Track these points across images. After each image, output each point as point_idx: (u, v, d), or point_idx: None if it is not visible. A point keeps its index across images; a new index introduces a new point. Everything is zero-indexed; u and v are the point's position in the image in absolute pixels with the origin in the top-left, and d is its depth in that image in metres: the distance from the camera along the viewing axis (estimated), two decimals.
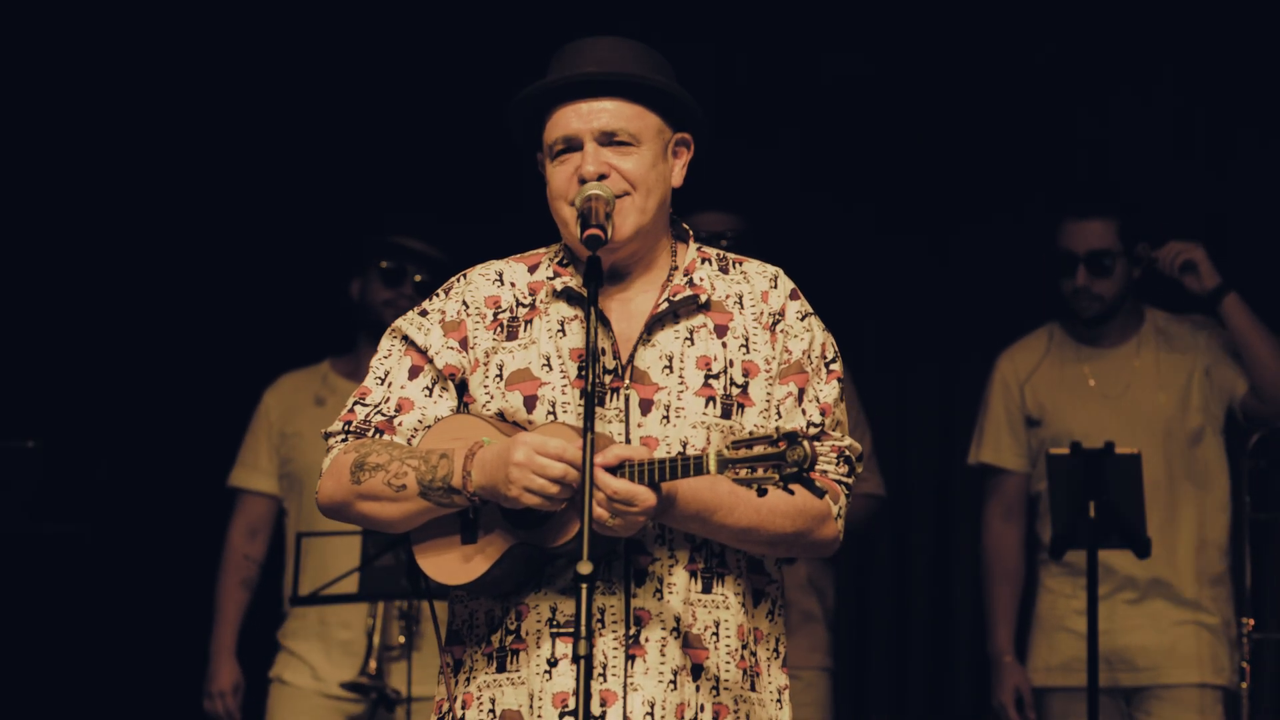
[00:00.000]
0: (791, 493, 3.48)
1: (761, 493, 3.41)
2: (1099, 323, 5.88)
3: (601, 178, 3.56)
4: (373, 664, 5.88)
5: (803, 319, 3.68)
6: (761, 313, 3.67)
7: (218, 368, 6.89)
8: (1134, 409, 5.83)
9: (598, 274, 3.52)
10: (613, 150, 3.58)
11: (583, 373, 3.57)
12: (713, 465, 3.36)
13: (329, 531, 5.47)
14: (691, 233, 3.73)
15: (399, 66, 7.03)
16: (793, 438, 3.31)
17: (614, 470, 3.39)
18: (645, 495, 3.39)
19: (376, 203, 6.77)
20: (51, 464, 5.66)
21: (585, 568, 3.31)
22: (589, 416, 3.38)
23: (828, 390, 3.67)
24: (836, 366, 3.70)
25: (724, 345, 3.63)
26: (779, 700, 3.66)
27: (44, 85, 6.86)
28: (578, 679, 3.30)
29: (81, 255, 6.88)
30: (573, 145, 3.59)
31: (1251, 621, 5.56)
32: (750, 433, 3.41)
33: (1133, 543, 5.43)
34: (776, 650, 3.67)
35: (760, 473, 3.34)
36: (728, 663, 3.58)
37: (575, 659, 3.30)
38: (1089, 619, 5.43)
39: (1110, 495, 5.40)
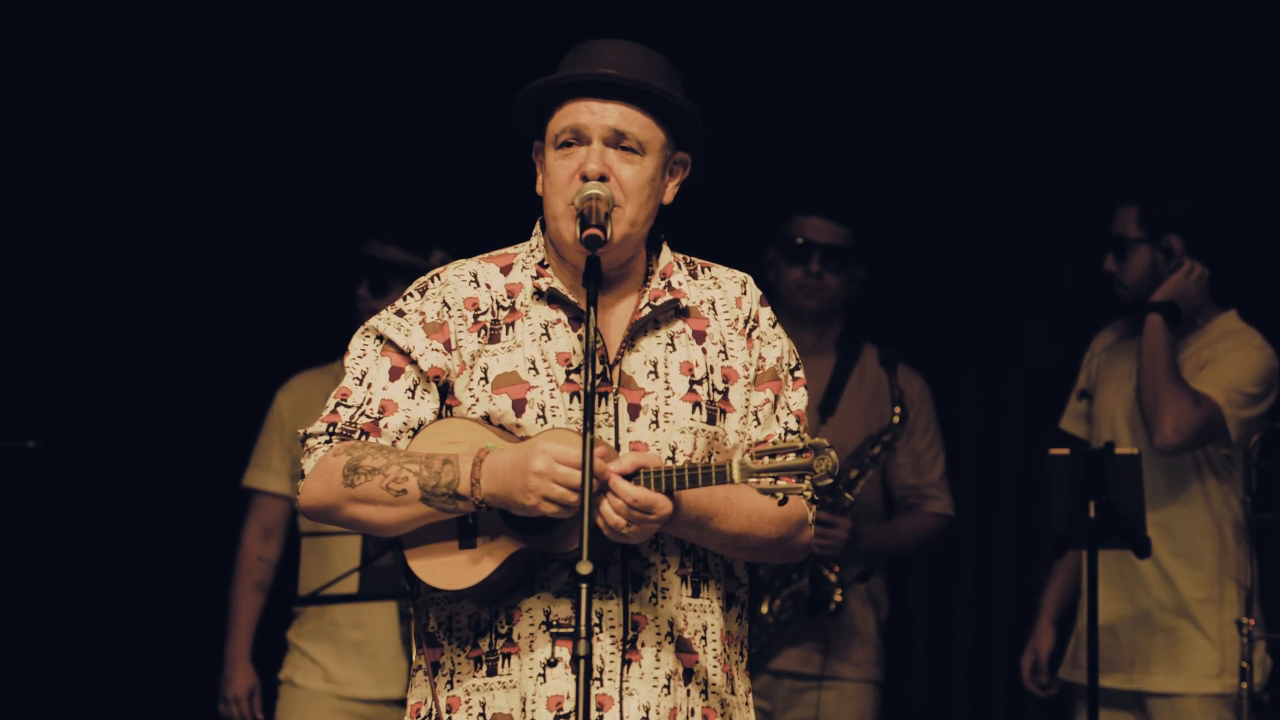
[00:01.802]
0: (816, 502, 3.55)
1: (782, 502, 3.43)
2: (1134, 310, 5.87)
3: (603, 179, 3.55)
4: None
5: (773, 326, 3.71)
6: (736, 318, 3.68)
7: (218, 367, 6.89)
8: (1136, 408, 5.83)
9: (597, 273, 3.51)
10: (618, 154, 3.57)
11: (570, 376, 3.57)
12: (736, 474, 3.38)
13: (330, 531, 5.46)
14: (665, 238, 3.72)
15: (403, 65, 7.04)
16: (819, 448, 3.35)
17: (630, 477, 3.40)
18: (663, 503, 3.40)
19: (384, 201, 6.77)
20: (51, 464, 5.66)
21: (585, 568, 3.31)
22: (589, 416, 3.38)
23: (797, 397, 3.70)
24: (800, 374, 3.73)
25: (704, 351, 3.64)
26: (747, 703, 3.68)
27: (44, 85, 6.86)
28: (577, 680, 3.30)
29: (82, 255, 6.88)
30: (580, 139, 3.58)
31: (1251, 621, 5.56)
32: (774, 442, 3.42)
33: (1133, 543, 5.43)
34: (742, 654, 3.69)
35: (783, 482, 3.36)
36: (714, 666, 3.61)
37: (574, 659, 3.31)
38: (1089, 619, 5.44)
39: (1110, 495, 5.40)
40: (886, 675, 6.19)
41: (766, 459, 3.37)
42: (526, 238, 3.72)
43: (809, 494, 3.37)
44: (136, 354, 6.90)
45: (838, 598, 5.93)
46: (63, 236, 6.86)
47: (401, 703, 5.78)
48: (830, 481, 3.35)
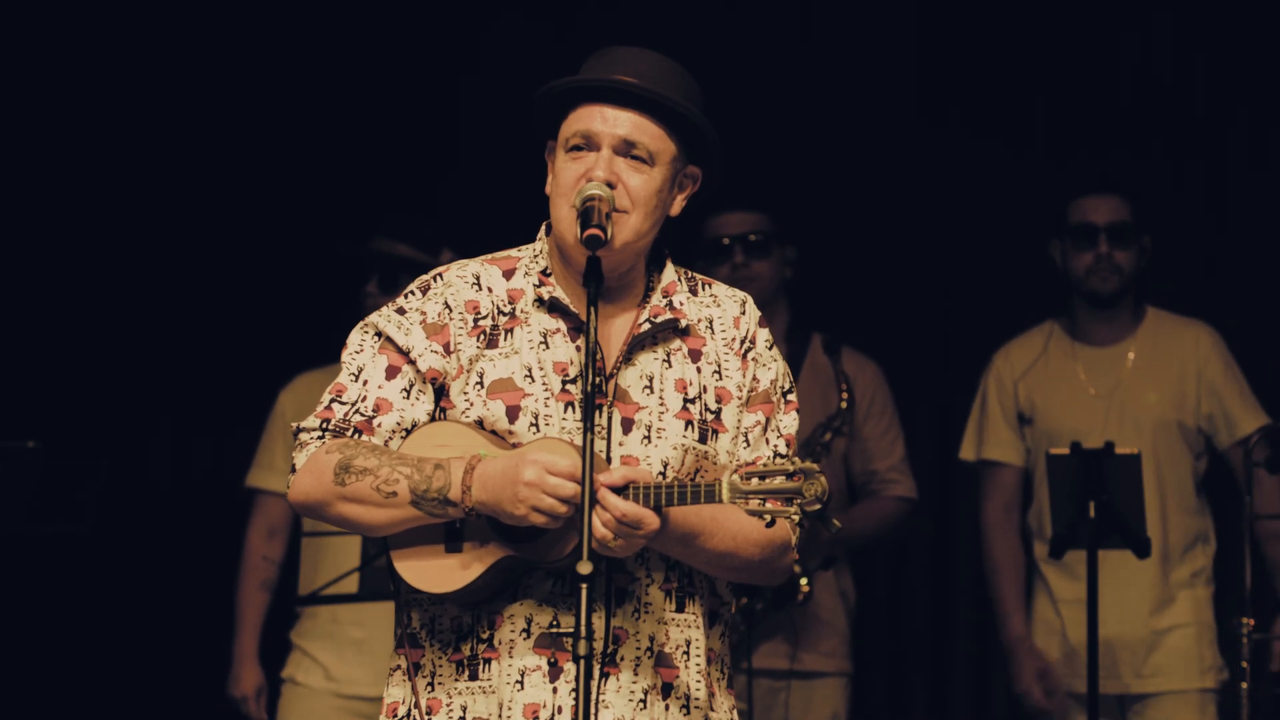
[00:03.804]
0: (804, 526, 3.52)
1: (770, 524, 3.42)
2: (1115, 300, 5.90)
3: (609, 186, 3.54)
4: None
5: (770, 348, 3.71)
6: (733, 339, 3.68)
7: (221, 367, 6.89)
8: (1123, 408, 5.85)
9: (597, 273, 3.51)
10: (626, 162, 3.57)
11: (566, 386, 3.56)
12: (725, 494, 3.38)
13: (331, 531, 5.46)
14: (668, 253, 3.71)
15: (401, 67, 7.05)
16: (809, 473, 3.34)
17: (620, 491, 3.40)
18: (651, 519, 3.40)
19: (387, 201, 6.78)
20: (51, 464, 5.65)
21: (585, 567, 3.32)
22: (588, 416, 3.38)
23: (788, 421, 3.69)
24: (793, 397, 3.72)
25: (698, 370, 3.63)
26: (730, 719, 3.68)
27: (44, 86, 6.86)
28: (578, 679, 3.31)
29: (83, 255, 6.88)
30: (590, 144, 3.57)
31: (1251, 621, 5.56)
32: (764, 464, 3.41)
33: (1132, 543, 5.43)
34: (723, 671, 3.69)
35: (771, 505, 3.35)
36: (697, 681, 3.60)
37: (575, 659, 3.31)
38: (1089, 619, 5.44)
39: (1110, 495, 5.40)
40: (883, 672, 6.20)
41: (756, 480, 3.37)
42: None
43: (796, 518, 3.35)
44: (137, 354, 6.91)
45: (804, 588, 5.95)
46: (63, 236, 6.87)
47: None
48: (819, 508, 3.34)
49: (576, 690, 3.30)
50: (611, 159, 3.56)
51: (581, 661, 3.30)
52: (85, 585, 6.79)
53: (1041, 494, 5.88)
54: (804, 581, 5.96)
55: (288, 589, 6.09)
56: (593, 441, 3.37)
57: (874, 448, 6.13)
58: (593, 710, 3.50)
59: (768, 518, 3.38)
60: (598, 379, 3.56)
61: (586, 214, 3.51)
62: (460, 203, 6.94)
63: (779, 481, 3.36)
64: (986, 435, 6.01)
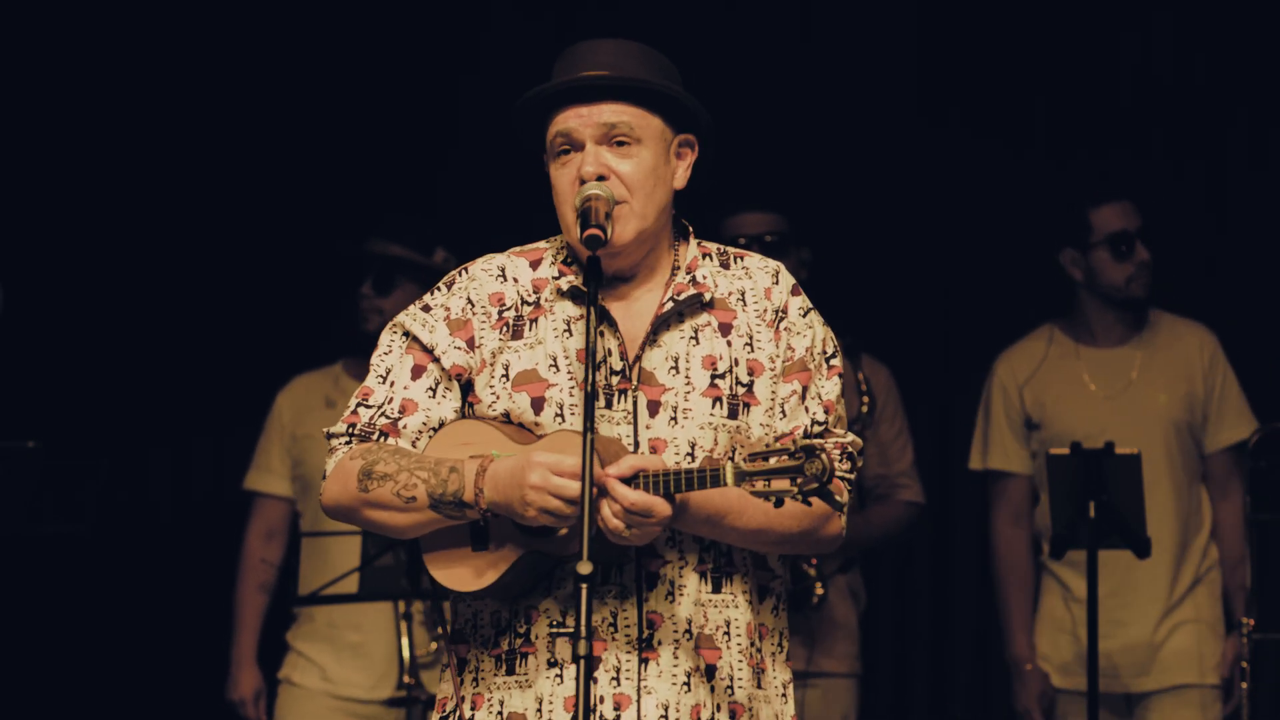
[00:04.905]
0: (809, 504, 3.49)
1: (778, 504, 3.42)
2: (1146, 304, 5.90)
3: (601, 179, 3.55)
4: (407, 677, 5.87)
5: (804, 315, 3.68)
6: (765, 310, 3.66)
7: (219, 368, 6.89)
8: (1133, 408, 5.85)
9: (597, 273, 3.51)
10: (613, 151, 3.57)
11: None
12: (730, 478, 3.37)
13: (330, 532, 5.47)
14: (691, 229, 3.71)
15: (404, 68, 7.05)
16: (811, 450, 3.33)
17: (629, 481, 3.40)
18: (661, 506, 3.40)
19: (384, 203, 6.78)
20: (51, 464, 5.65)
21: (585, 568, 3.32)
22: (588, 416, 3.37)
23: (829, 386, 3.67)
24: (836, 362, 3.70)
25: (729, 344, 3.62)
26: (784, 695, 3.67)
27: (44, 87, 6.86)
28: (577, 679, 3.31)
29: (83, 256, 6.88)
30: (574, 145, 3.58)
31: (1251, 621, 5.56)
32: (767, 445, 3.41)
33: (1133, 543, 5.43)
34: (780, 645, 3.68)
35: (777, 484, 3.35)
36: (739, 661, 3.59)
37: (575, 659, 3.31)
38: (1089, 619, 5.44)
39: (1110, 495, 5.40)
40: (886, 673, 6.20)
41: (759, 461, 3.37)
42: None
43: (799, 497, 3.35)
44: (137, 354, 6.90)
45: (819, 591, 5.96)
46: (63, 237, 6.86)
47: (394, 703, 5.82)
48: (817, 486, 3.33)
49: (577, 690, 3.31)
50: (598, 152, 3.56)
51: (582, 661, 3.30)
52: (85, 585, 6.79)
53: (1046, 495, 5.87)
54: (819, 585, 5.96)
55: (286, 591, 6.08)
56: (593, 444, 3.36)
57: (885, 453, 6.13)
58: (636, 696, 3.52)
59: (773, 499, 3.38)
60: (622, 364, 3.57)
61: (585, 215, 3.51)
62: (459, 203, 6.94)
63: (781, 460, 3.35)
64: (992, 445, 5.98)
